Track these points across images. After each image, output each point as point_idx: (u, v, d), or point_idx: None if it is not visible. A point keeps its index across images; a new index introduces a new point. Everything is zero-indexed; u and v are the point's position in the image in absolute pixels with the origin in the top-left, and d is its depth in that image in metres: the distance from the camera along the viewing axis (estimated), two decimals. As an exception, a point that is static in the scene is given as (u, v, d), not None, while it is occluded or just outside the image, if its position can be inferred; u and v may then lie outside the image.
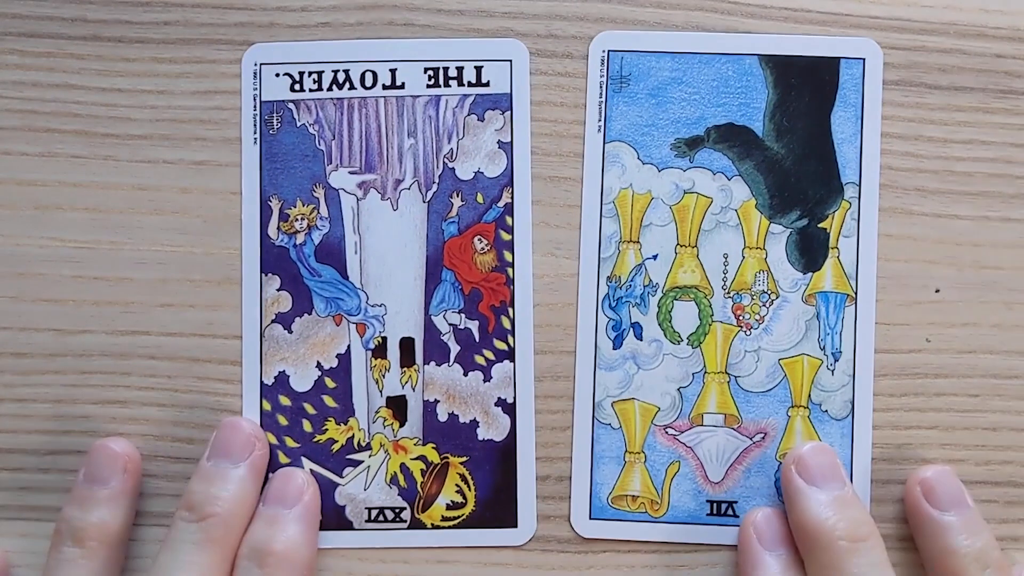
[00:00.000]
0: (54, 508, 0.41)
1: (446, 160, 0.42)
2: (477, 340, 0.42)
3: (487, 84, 0.42)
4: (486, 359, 0.42)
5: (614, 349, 0.42)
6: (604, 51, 0.42)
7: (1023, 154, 0.42)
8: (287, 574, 0.38)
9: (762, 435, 0.42)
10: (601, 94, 0.42)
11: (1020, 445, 0.42)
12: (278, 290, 0.42)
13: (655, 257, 0.42)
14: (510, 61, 0.42)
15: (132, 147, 0.42)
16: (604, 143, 0.42)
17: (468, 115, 0.42)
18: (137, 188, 0.42)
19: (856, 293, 0.42)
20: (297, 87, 0.42)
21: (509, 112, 0.42)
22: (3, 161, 0.42)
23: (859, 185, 0.42)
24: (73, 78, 0.42)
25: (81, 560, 0.39)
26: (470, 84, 0.42)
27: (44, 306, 0.42)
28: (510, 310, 0.42)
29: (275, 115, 0.42)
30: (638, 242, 0.42)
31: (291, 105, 0.42)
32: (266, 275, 0.42)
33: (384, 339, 0.42)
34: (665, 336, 0.42)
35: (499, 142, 0.42)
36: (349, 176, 0.42)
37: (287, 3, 0.42)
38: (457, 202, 0.42)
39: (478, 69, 0.42)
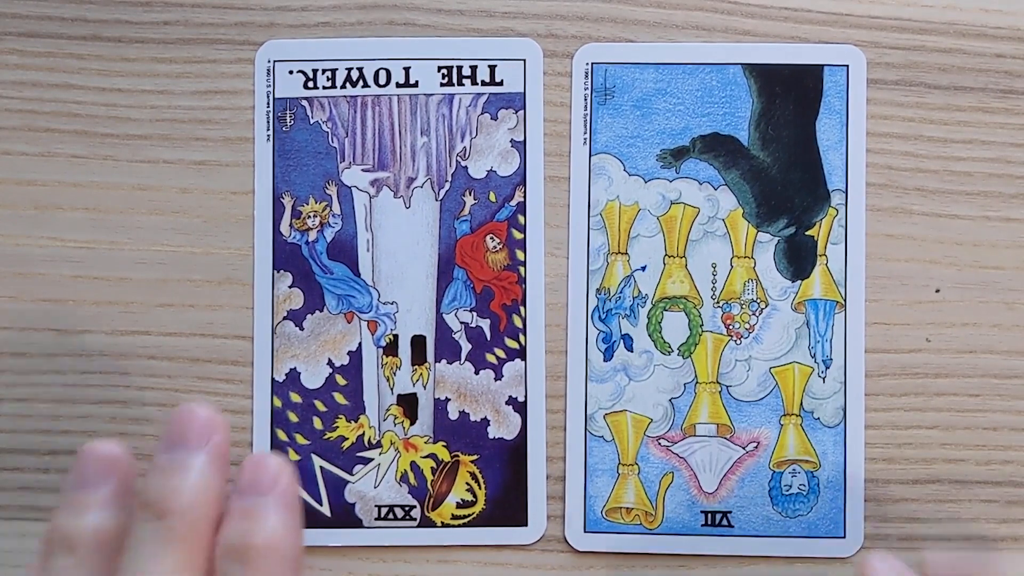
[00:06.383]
0: (54, 508, 0.41)
1: (459, 158, 0.42)
2: (488, 338, 0.42)
3: (500, 83, 0.42)
4: (497, 357, 0.42)
5: (605, 361, 0.42)
6: (588, 64, 0.42)
7: (1023, 154, 0.42)
8: (275, 568, 0.33)
9: (755, 444, 0.42)
10: (586, 107, 0.42)
11: (1020, 445, 0.42)
12: (290, 287, 0.42)
13: (644, 268, 0.42)
14: (524, 60, 0.42)
15: (132, 147, 0.42)
16: (590, 155, 0.42)
17: (481, 114, 0.42)
18: (137, 188, 0.42)
19: (845, 300, 0.42)
20: (311, 84, 0.42)
21: (522, 111, 0.42)
22: (3, 161, 0.42)
23: (846, 192, 0.42)
24: (73, 78, 0.42)
25: (73, 570, 0.33)
26: (484, 83, 0.42)
27: (44, 306, 0.42)
28: (521, 309, 0.42)
29: (288, 112, 0.42)
30: (626, 253, 0.42)
31: (304, 102, 0.42)
32: (278, 272, 0.42)
33: (395, 337, 0.42)
34: (656, 347, 0.42)
35: (512, 141, 0.42)
36: (362, 174, 0.42)
37: (287, 3, 0.42)
38: (469, 200, 0.42)
39: (492, 68, 0.42)
